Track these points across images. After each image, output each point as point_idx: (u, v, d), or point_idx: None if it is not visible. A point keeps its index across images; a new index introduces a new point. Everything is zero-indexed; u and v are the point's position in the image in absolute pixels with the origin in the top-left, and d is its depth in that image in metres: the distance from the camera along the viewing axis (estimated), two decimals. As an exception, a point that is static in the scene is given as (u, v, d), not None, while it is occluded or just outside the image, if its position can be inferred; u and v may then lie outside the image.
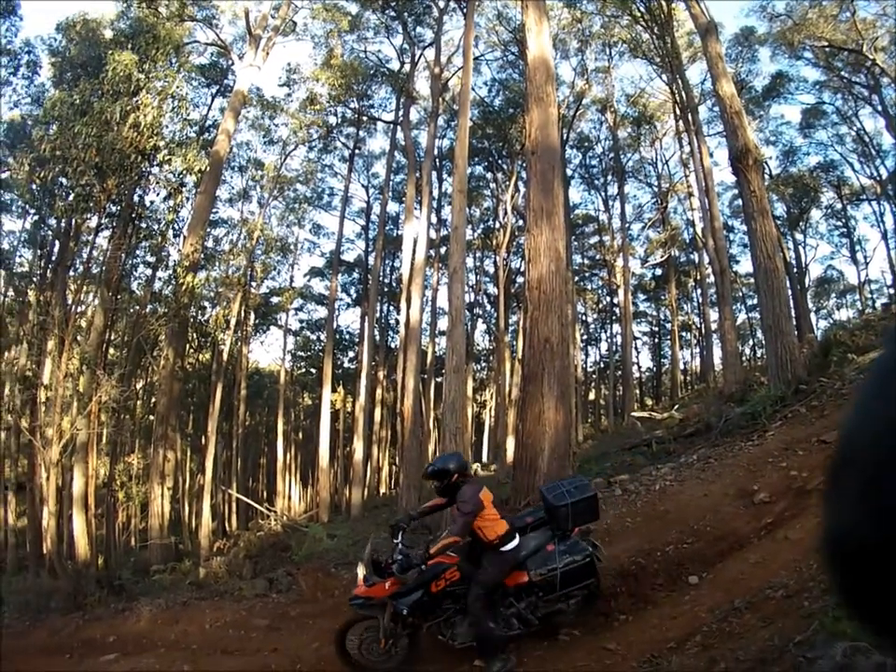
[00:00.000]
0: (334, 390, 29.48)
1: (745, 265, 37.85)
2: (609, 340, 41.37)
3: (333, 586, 8.87)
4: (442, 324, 33.00)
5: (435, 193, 27.26)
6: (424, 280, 21.29)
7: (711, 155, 25.46)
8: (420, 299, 19.53)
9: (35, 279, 22.47)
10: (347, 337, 38.28)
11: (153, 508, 16.80)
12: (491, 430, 36.80)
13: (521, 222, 26.87)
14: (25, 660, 7.96)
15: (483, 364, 41.06)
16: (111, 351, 19.14)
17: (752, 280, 19.81)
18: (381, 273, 29.90)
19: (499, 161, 29.07)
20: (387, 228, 29.62)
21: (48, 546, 15.88)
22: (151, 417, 21.83)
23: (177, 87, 16.01)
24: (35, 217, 21.49)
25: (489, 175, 30.73)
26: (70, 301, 17.97)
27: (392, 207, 31.56)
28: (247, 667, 6.58)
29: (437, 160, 26.29)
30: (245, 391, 29.36)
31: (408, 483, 17.72)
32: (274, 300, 32.91)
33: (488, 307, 35.67)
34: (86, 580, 11.60)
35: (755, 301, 39.40)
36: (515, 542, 4.83)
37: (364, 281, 32.52)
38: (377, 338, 30.14)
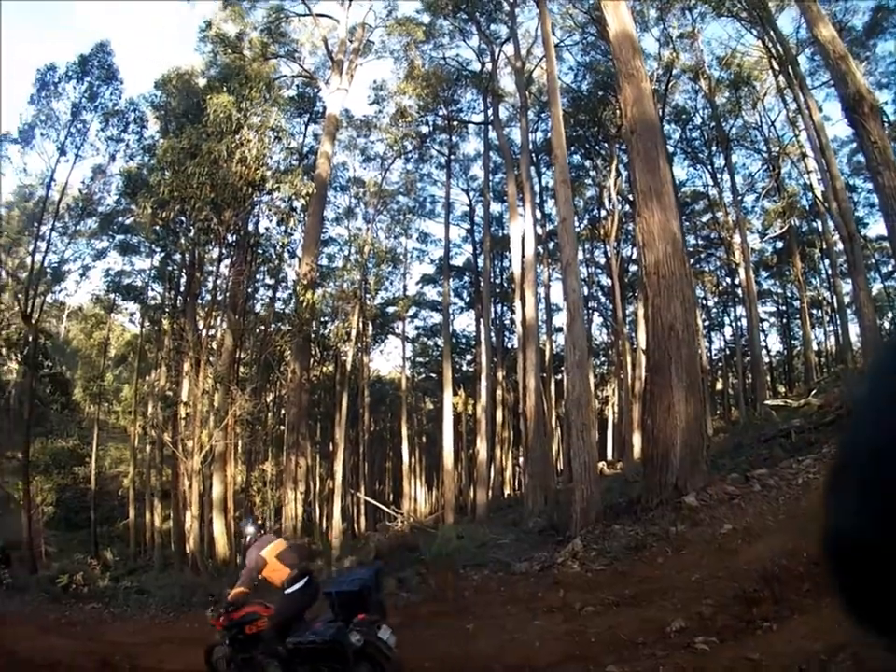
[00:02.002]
0: (455, 393, 29.82)
1: (875, 227, 33.02)
2: (733, 324, 38.70)
3: (463, 586, 8.89)
4: (558, 320, 32.64)
5: (536, 188, 26.86)
6: (536, 277, 21.02)
7: (821, 109, 22.84)
8: (534, 296, 19.34)
9: (167, 309, 24.78)
10: (464, 340, 38.74)
11: (287, 511, 17.77)
12: (615, 426, 35.63)
13: (628, 207, 25.89)
14: (171, 648, 8.57)
15: (603, 358, 39.87)
16: (241, 369, 20.44)
17: (887, 244, 17.69)
18: (491, 274, 29.93)
19: (596, 147, 28.15)
20: (492, 228, 29.74)
21: (190, 546, 17.22)
22: (281, 427, 23.12)
23: (274, 120, 16.94)
24: (162, 255, 23.84)
25: (587, 163, 29.78)
26: (201, 326, 19.37)
27: (495, 207, 31.70)
28: None
29: (533, 154, 25.96)
30: (368, 399, 30.45)
31: (533, 483, 17.48)
32: (390, 309, 33.86)
33: (603, 299, 34.65)
34: (225, 577, 12.31)
35: (892, 268, 35.52)
36: (300, 584, 5.27)
37: (475, 284, 32.71)
38: (493, 339, 30.13)
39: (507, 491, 31.87)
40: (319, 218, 20.88)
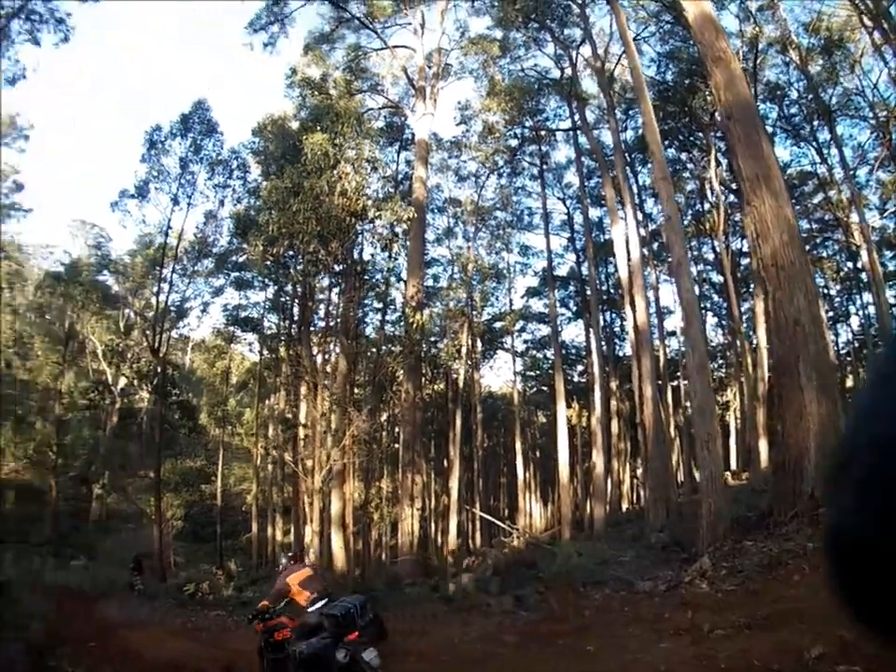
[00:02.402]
0: (568, 406, 29.20)
1: None
2: (859, 312, 34.66)
3: (583, 605, 8.57)
4: (669, 324, 31.43)
5: (634, 189, 26.02)
6: (644, 280, 20.25)
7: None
8: (644, 300, 18.67)
9: (283, 337, 26.16)
10: (574, 351, 37.94)
11: (403, 527, 18.06)
12: (738, 433, 33.46)
13: (733, 198, 24.45)
14: None
15: (720, 361, 37.53)
16: (356, 390, 21.07)
17: None
18: (597, 281, 29.15)
19: (691, 138, 26.72)
20: (594, 234, 29.00)
21: (309, 559, 17.77)
22: (396, 445, 23.56)
23: (368, 151, 17.59)
24: (274, 287, 25.53)
25: (683, 156, 28.31)
26: (315, 352, 20.20)
27: (593, 213, 30.84)
28: None
29: (626, 154, 25.06)
30: (480, 415, 30.45)
31: (654, 497, 16.68)
32: (497, 325, 33.87)
33: (716, 298, 32.73)
34: (344, 590, 12.56)
35: None
36: (318, 606, 5.92)
37: (581, 292, 32.05)
38: (604, 348, 29.30)
39: (624, 505, 30.66)
40: (421, 241, 21.34)
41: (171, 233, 24.77)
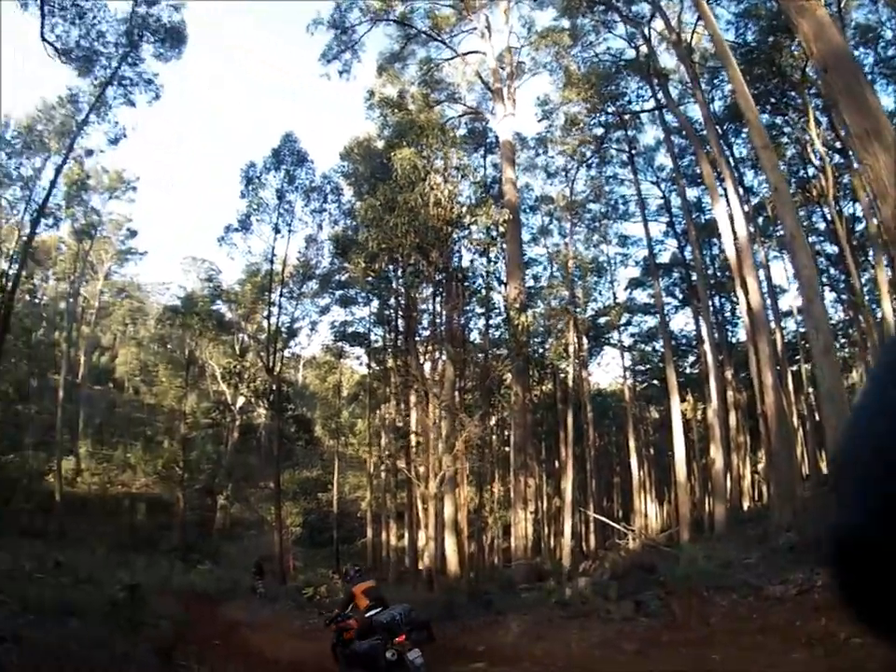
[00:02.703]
0: (682, 399, 27.89)
1: None
2: None
3: (708, 612, 8.10)
4: (784, 303, 29.76)
5: (731, 162, 24.31)
6: (754, 259, 18.97)
7: None
8: (755, 280, 17.50)
9: (389, 349, 26.79)
10: (684, 341, 36.23)
11: (516, 530, 17.92)
12: (869, 422, 30.43)
13: (838, 158, 22.50)
14: None
15: (843, 340, 34.31)
16: (465, 396, 21.17)
17: None
18: (703, 265, 27.60)
19: (783, 100, 24.53)
20: (693, 216, 27.39)
21: (423, 563, 17.98)
22: (506, 448, 23.38)
23: (456, 159, 17.63)
24: (378, 302, 26.22)
25: (778, 120, 25.99)
26: (422, 361, 20.54)
27: (690, 193, 29.07)
28: None
29: (717, 127, 23.47)
30: (591, 413, 29.68)
31: (779, 493, 15.58)
32: (602, 320, 32.92)
33: (832, 270, 29.98)
34: (458, 593, 12.56)
35: None
36: (372, 612, 7.07)
37: (686, 278, 30.54)
38: (716, 335, 27.75)
39: (746, 503, 28.83)
40: (518, 243, 21.23)
41: (275, 260, 26.25)
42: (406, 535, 25.78)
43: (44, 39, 18.88)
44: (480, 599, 12.05)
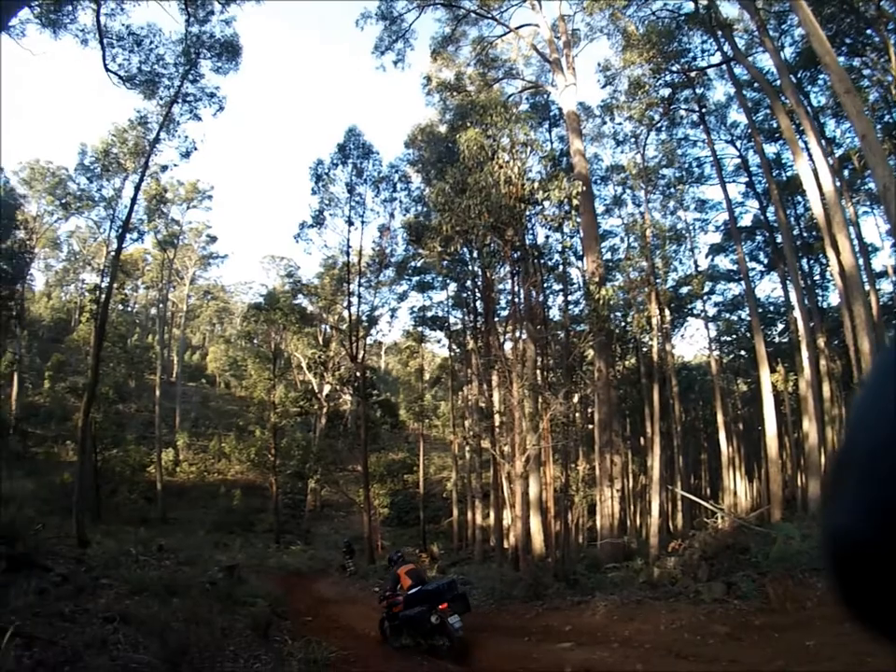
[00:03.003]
0: (772, 370, 26.54)
1: None
2: None
3: (805, 596, 7.72)
4: (878, 263, 27.94)
5: (810, 112, 22.56)
6: (843, 215, 17.67)
7: None
8: (846, 239, 16.29)
9: (469, 331, 26.86)
10: (772, 308, 34.36)
11: (602, 508, 17.68)
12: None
13: None
14: (490, 636, 9.04)
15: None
16: (547, 374, 21.03)
17: None
18: (787, 226, 25.97)
19: (860, 40, 22.35)
20: (774, 173, 25.57)
21: (509, 542, 17.96)
22: (590, 426, 23.06)
23: (523, 135, 17.36)
24: (455, 285, 26.75)
25: (856, 62, 23.67)
26: (503, 341, 20.49)
27: (769, 149, 27.02)
28: None
29: (791, 76, 21.81)
30: (676, 388, 28.77)
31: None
32: (683, 290, 31.62)
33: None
34: (544, 572, 12.52)
35: None
36: (415, 589, 8.62)
37: (771, 241, 28.80)
38: (806, 300, 26.17)
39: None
40: (592, 215, 20.68)
41: (351, 252, 27.02)
42: (491, 514, 25.94)
43: (108, 70, 19.85)
44: (566, 579, 11.95)
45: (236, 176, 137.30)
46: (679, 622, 7.88)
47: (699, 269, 31.39)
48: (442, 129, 24.46)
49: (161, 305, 54.27)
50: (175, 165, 30.94)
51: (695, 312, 32.94)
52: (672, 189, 29.61)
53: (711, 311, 34.84)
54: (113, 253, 22.96)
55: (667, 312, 28.61)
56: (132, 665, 4.78)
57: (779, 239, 24.79)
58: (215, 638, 6.60)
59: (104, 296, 21.23)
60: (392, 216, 27.28)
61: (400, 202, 27.09)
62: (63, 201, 37.42)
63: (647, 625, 8.03)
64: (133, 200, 21.53)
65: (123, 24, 20.02)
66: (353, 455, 34.02)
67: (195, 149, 24.14)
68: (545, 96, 25.75)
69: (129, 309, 52.75)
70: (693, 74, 24.84)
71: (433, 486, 39.03)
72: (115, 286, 22.59)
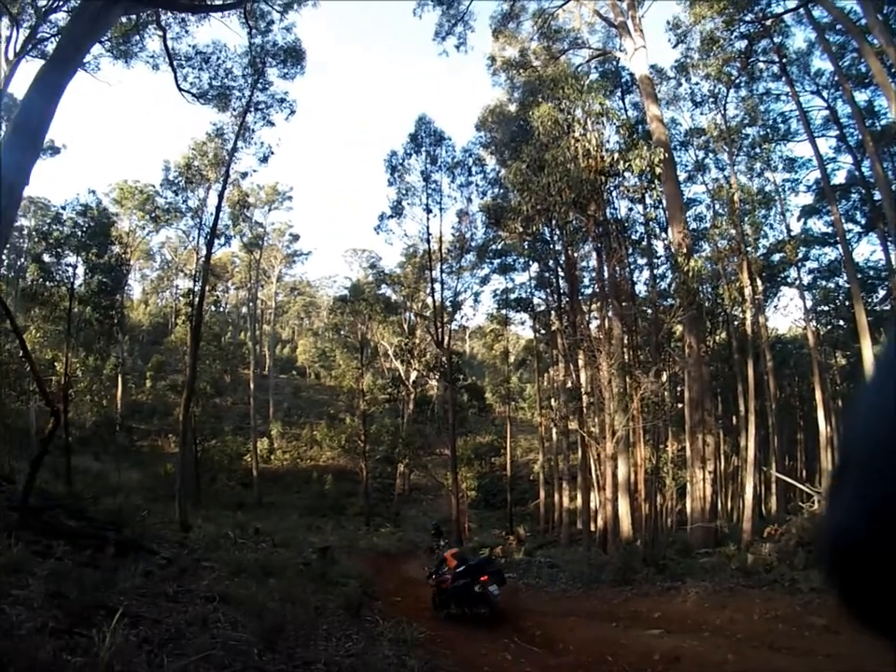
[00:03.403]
0: (874, 341, 24.67)
1: None
2: None
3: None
4: None
5: None
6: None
7: None
8: (953, 192, 14.83)
9: (553, 311, 26.67)
10: (871, 273, 31.72)
11: (693, 491, 17.10)
12: None
13: None
14: (576, 621, 8.92)
15: None
16: (635, 353, 20.56)
17: None
18: (886, 181, 23.75)
19: None
20: (867, 123, 23.15)
21: (596, 525, 17.68)
22: (679, 405, 22.42)
23: (598, 104, 16.83)
24: (537, 265, 26.63)
25: None
26: (588, 319, 20.17)
27: (859, 97, 24.18)
28: (796, 669, 5.76)
29: (878, 13, 19.59)
30: (770, 363, 27.33)
31: None
32: (775, 257, 29.78)
33: None
34: (633, 556, 12.29)
35: None
36: (461, 568, 9.72)
37: (869, 199, 26.51)
38: (916, 261, 24.12)
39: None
40: (675, 183, 19.86)
41: (431, 239, 27.06)
42: (579, 497, 25.66)
43: (181, 90, 21.00)
44: (655, 564, 11.65)
45: (314, 175, 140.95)
46: (774, 611, 7.53)
47: (791, 234, 29.32)
48: (512, 108, 24.21)
49: (250, 304, 56.92)
50: (255, 171, 32.44)
51: (789, 280, 30.83)
52: (757, 149, 27.74)
53: (806, 279, 32.15)
54: (203, 259, 24.12)
55: (759, 282, 27.08)
56: (230, 643, 4.93)
57: (878, 196, 22.78)
58: (309, 617, 6.78)
59: (197, 299, 22.44)
60: (469, 200, 27.38)
61: (476, 185, 27.03)
62: (153, 215, 39.71)
63: (739, 614, 7.68)
64: (218, 207, 22.54)
65: (189, 45, 21.25)
66: (441, 440, 34.49)
67: (272, 154, 25.21)
68: (614, 63, 24.75)
69: (221, 309, 55.55)
70: (768, 22, 22.96)
71: (520, 469, 39.02)
72: (207, 289, 23.81)
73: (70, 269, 23.28)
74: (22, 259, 47.64)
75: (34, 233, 35.25)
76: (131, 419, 41.44)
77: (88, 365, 31.02)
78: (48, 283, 23.51)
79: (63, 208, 25.00)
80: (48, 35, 22.19)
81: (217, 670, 4.11)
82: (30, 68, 21.97)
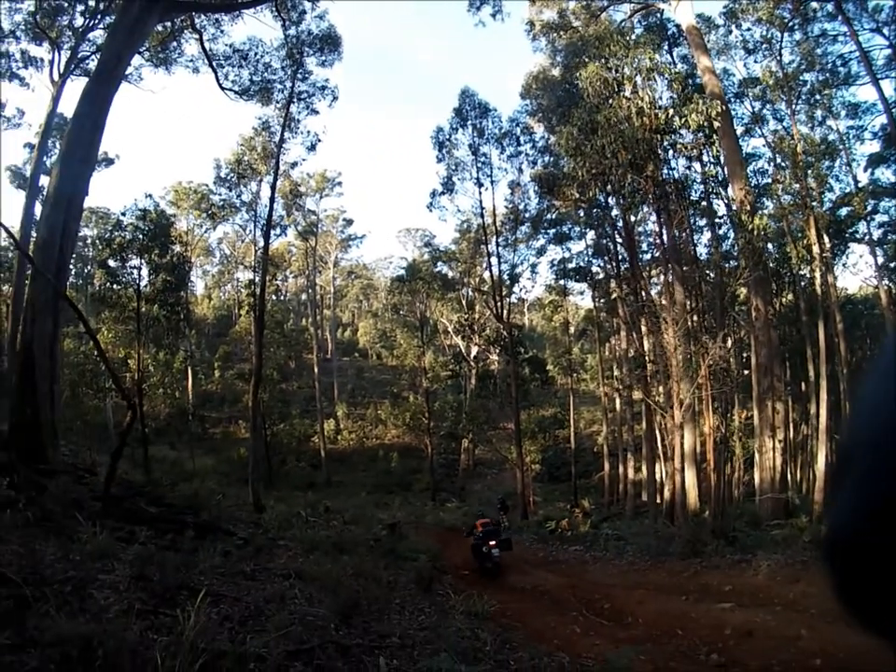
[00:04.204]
0: (954, 298, 23.11)
1: None
2: None
3: None
4: None
5: None
6: None
7: None
8: None
9: (612, 279, 26.25)
10: (948, 226, 29.57)
11: (761, 461, 16.55)
12: None
13: None
14: (645, 594, 8.84)
15: None
16: (696, 318, 19.97)
17: None
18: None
19: None
20: None
21: (663, 497, 17.33)
22: (745, 372, 21.74)
23: (648, 60, 16.21)
24: (593, 232, 26.31)
25: None
26: (649, 286, 19.73)
27: None
28: (871, 645, 5.47)
29: None
30: (840, 325, 26.04)
31: None
32: (842, 212, 28.09)
33: None
34: (701, 529, 12.03)
35: None
36: (481, 533, 12.06)
37: (942, 144, 24.60)
38: None
39: None
40: (733, 138, 19.06)
41: (485, 212, 27.20)
42: (643, 468, 25.25)
43: (223, 88, 21.63)
44: (724, 536, 11.37)
45: (362, 158, 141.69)
46: (851, 586, 7.25)
47: (859, 185, 27.55)
48: (555, 72, 23.63)
49: (309, 290, 58.18)
50: (304, 160, 32.87)
51: (857, 236, 29.11)
52: (817, 96, 26.06)
53: (876, 233, 29.85)
54: (261, 250, 24.83)
55: (826, 239, 25.67)
56: (308, 618, 5.05)
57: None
58: (382, 592, 6.90)
59: (259, 289, 23.15)
60: (520, 170, 27.24)
61: (526, 154, 26.80)
62: (209, 212, 41.19)
63: (813, 588, 7.38)
64: (272, 199, 23.11)
65: (226, 45, 21.81)
66: (504, 414, 34.58)
67: (319, 141, 25.61)
68: (658, 15, 23.60)
69: (282, 298, 56.90)
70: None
71: (583, 441, 38.66)
72: (267, 279, 24.47)
73: (135, 271, 24.23)
74: (89, 267, 50.32)
75: (97, 241, 36.79)
76: (202, 408, 43.26)
77: (159, 360, 32.54)
78: (115, 286, 24.58)
79: (123, 214, 25.92)
80: (88, 54, 23.34)
81: (296, 645, 4.19)
82: (76, 87, 22.99)
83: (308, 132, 25.06)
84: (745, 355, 23.87)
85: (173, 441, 36.03)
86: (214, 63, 21.01)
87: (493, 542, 11.59)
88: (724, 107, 17.67)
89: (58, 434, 10.77)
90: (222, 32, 21.38)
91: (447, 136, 26.12)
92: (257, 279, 27.10)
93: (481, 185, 26.17)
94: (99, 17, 22.61)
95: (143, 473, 17.43)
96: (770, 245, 22.79)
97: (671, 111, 15.37)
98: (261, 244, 24.90)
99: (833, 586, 0.58)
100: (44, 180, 23.98)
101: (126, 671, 3.13)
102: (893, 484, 0.52)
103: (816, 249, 22.54)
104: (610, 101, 15.47)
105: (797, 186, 23.08)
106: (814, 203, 23.35)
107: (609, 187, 17.81)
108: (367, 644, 4.81)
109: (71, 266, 31.97)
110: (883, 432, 0.54)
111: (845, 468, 0.59)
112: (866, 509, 0.54)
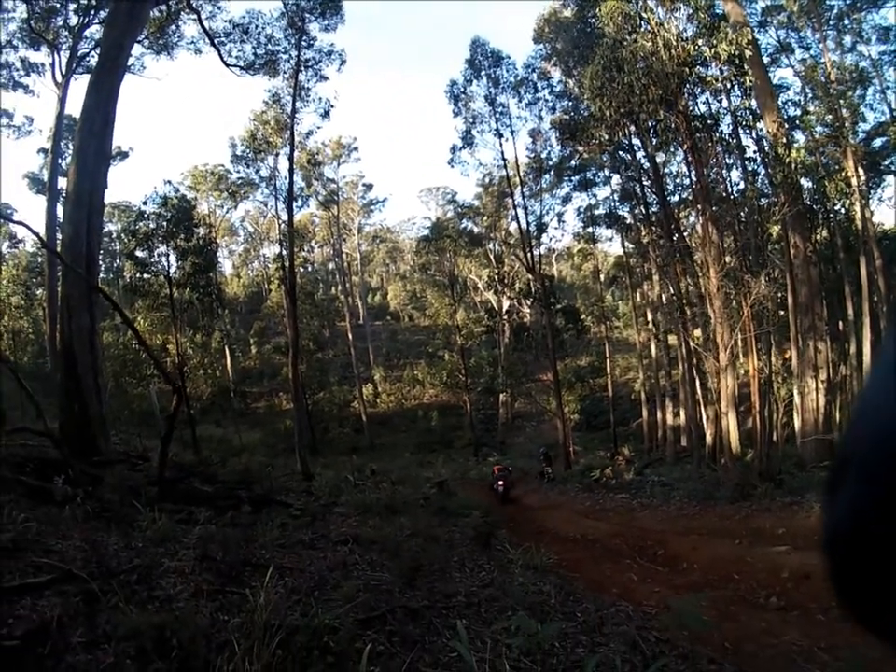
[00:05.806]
0: None
1: None
2: None
3: None
4: None
5: None
6: None
7: None
8: None
9: (641, 223, 25.78)
10: None
11: (804, 403, 16.26)
12: None
13: None
14: (698, 539, 8.77)
15: None
16: (727, 259, 19.45)
17: None
18: None
19: None
20: None
21: (704, 441, 17.15)
22: (781, 312, 21.14)
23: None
24: (617, 177, 25.90)
25: None
26: (682, 227, 19.13)
27: None
28: None
29: None
30: (879, 261, 25.04)
31: None
32: (877, 143, 26.54)
33: None
34: (749, 472, 11.89)
35: None
36: (494, 474, 17.97)
37: None
38: None
39: None
40: (762, 68, 18.17)
41: (507, 164, 26.64)
42: (682, 413, 25.01)
43: (227, 66, 21.17)
44: (772, 479, 11.26)
45: (378, 121, 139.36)
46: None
47: (894, 114, 26.09)
48: (567, 13, 22.68)
49: (336, 259, 58.31)
50: (319, 127, 32.49)
51: (893, 168, 27.71)
52: (846, 21, 24.50)
53: None
54: (285, 224, 24.74)
55: (860, 171, 24.45)
56: (372, 584, 5.10)
57: None
58: (441, 551, 6.94)
59: (287, 262, 23.22)
60: (540, 118, 26.69)
61: (545, 100, 26.13)
62: (230, 191, 41.58)
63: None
64: (291, 170, 22.75)
65: (225, 21, 21.49)
66: (540, 366, 34.55)
67: (332, 107, 25.22)
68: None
69: (310, 269, 57.13)
70: None
71: (620, 388, 38.45)
72: (294, 251, 24.48)
73: (163, 258, 24.45)
74: (118, 261, 51.01)
75: (122, 234, 37.17)
76: (243, 384, 44.19)
77: (196, 342, 33.39)
78: (145, 275, 24.87)
79: (145, 203, 26.02)
80: (87, 50, 23.37)
81: (366, 613, 4.23)
82: (81, 87, 22.87)
83: (320, 98, 24.67)
84: (780, 295, 23.18)
85: (218, 419, 36.90)
86: (215, 41, 20.61)
87: (501, 482, 16.86)
88: (752, 36, 16.82)
89: (107, 425, 10.96)
90: (220, 8, 21.06)
91: (462, 89, 25.53)
92: (284, 253, 27.23)
93: (501, 136, 25.62)
94: (93, 13, 22.49)
95: (193, 453, 17.80)
96: (803, 181, 21.88)
97: (700, 41, 14.69)
98: (284, 217, 24.86)
99: (832, 584, 0.57)
100: (62, 182, 24.39)
101: (203, 657, 3.12)
102: (893, 486, 0.50)
103: (854, 182, 21.53)
104: (634, 35, 14.83)
105: (829, 117, 21.95)
106: (849, 134, 22.22)
107: (637, 126, 17.20)
108: (435, 605, 4.82)
109: (100, 261, 32.61)
110: (883, 432, 0.52)
111: (844, 467, 0.57)
112: (869, 506, 0.52)
